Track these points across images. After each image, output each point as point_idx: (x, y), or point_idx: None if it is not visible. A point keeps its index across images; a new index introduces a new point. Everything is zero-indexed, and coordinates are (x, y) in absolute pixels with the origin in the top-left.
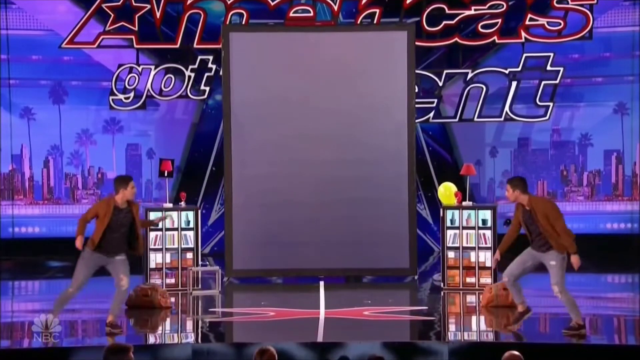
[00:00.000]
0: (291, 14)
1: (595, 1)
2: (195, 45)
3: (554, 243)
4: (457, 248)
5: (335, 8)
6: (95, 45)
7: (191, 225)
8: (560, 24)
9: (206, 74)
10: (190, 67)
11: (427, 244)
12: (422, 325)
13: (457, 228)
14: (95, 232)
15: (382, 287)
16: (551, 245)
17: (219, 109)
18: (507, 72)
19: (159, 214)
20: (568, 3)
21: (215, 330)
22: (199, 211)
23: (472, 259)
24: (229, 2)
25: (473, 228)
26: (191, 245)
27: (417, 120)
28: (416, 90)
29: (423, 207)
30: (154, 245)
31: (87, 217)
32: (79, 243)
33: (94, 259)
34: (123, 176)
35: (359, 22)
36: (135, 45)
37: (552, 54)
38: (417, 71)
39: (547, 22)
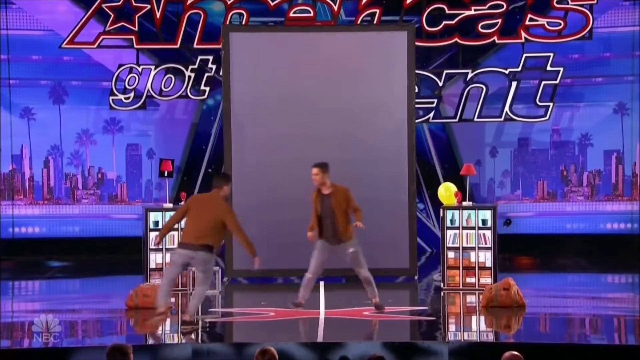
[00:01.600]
0: (291, 14)
1: (595, 1)
2: (195, 45)
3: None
4: (457, 248)
5: (335, 8)
6: (95, 46)
7: None
8: (560, 24)
9: (206, 74)
10: (190, 67)
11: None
12: (422, 325)
13: (457, 228)
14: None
15: (382, 287)
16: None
17: (215, 109)
18: (507, 72)
19: (158, 215)
20: (568, 3)
21: (215, 330)
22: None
23: (472, 259)
24: (229, 2)
25: (473, 228)
26: None
27: (417, 120)
28: (416, 90)
29: (424, 207)
30: (154, 245)
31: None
32: (310, 235)
33: (322, 245)
34: (316, 163)
35: (359, 22)
36: (135, 46)
37: (552, 54)
38: (417, 71)
39: (547, 22)
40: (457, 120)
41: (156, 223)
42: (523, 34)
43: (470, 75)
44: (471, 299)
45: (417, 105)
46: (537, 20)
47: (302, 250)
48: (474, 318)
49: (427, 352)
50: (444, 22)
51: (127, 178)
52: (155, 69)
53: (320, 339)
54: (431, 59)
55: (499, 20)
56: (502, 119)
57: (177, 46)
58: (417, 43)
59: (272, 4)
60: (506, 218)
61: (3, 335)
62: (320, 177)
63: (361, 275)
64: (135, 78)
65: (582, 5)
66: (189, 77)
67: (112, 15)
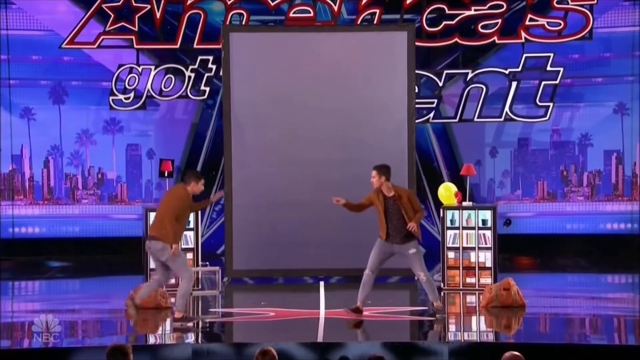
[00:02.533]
0: (291, 14)
1: (595, 1)
2: (195, 46)
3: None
4: (457, 248)
5: (335, 8)
6: (95, 46)
7: (191, 225)
8: (560, 24)
9: (206, 74)
10: (190, 67)
11: None
12: (422, 325)
13: (457, 228)
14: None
15: (382, 287)
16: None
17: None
18: (507, 72)
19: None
20: (568, 3)
21: (215, 330)
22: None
23: (472, 259)
24: (229, 2)
25: (473, 228)
26: (191, 245)
27: (417, 121)
28: (416, 90)
29: (424, 207)
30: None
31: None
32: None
33: (382, 243)
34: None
35: (359, 22)
36: (135, 46)
37: (552, 54)
38: (417, 71)
39: (547, 23)
40: (457, 120)
41: None
42: (523, 34)
43: (470, 76)
44: (471, 299)
45: (417, 106)
46: (537, 21)
47: (302, 251)
48: (474, 318)
49: (427, 352)
50: (444, 22)
51: (127, 178)
52: (155, 69)
53: (320, 339)
54: (436, 61)
55: (499, 20)
56: (502, 119)
57: (177, 46)
58: (417, 43)
59: (272, 4)
60: (506, 218)
61: (3, 335)
62: (376, 179)
63: (422, 277)
64: (135, 78)
65: (582, 6)
66: (189, 77)
67: (112, 16)
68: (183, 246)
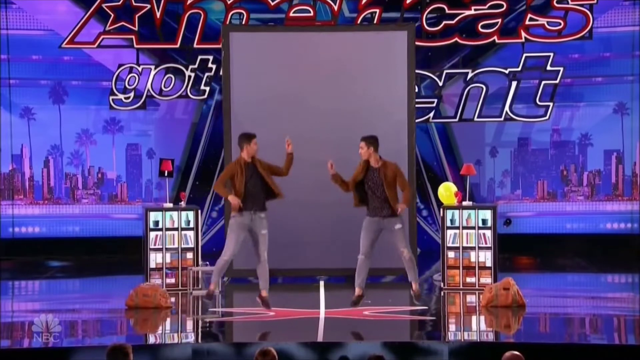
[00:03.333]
0: (291, 14)
1: (595, 1)
2: (195, 45)
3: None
4: (457, 248)
5: (335, 8)
6: (95, 45)
7: (191, 225)
8: (560, 23)
9: (206, 74)
10: (190, 67)
11: None
12: (422, 325)
13: (457, 228)
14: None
15: (381, 286)
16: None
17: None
18: (507, 72)
19: (158, 215)
20: (568, 3)
21: (215, 330)
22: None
23: (472, 259)
24: (229, 2)
25: (473, 228)
26: (191, 245)
27: (417, 120)
28: (416, 90)
29: (424, 207)
30: (154, 245)
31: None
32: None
33: (368, 223)
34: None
35: (359, 21)
36: (135, 45)
37: (552, 54)
38: (417, 71)
39: (547, 22)
40: (457, 120)
41: (156, 223)
42: (523, 34)
43: (470, 75)
44: (471, 299)
45: (417, 105)
46: (537, 20)
47: (302, 250)
48: (474, 318)
49: (427, 352)
50: (444, 22)
51: (127, 178)
52: (155, 68)
53: (320, 338)
54: (436, 61)
55: (499, 20)
56: (502, 118)
57: (177, 46)
58: (417, 43)
59: (272, 3)
60: (506, 218)
61: (3, 335)
62: (364, 150)
63: (405, 255)
64: (135, 78)
65: (582, 5)
66: (189, 77)
67: (112, 15)
68: (183, 245)
